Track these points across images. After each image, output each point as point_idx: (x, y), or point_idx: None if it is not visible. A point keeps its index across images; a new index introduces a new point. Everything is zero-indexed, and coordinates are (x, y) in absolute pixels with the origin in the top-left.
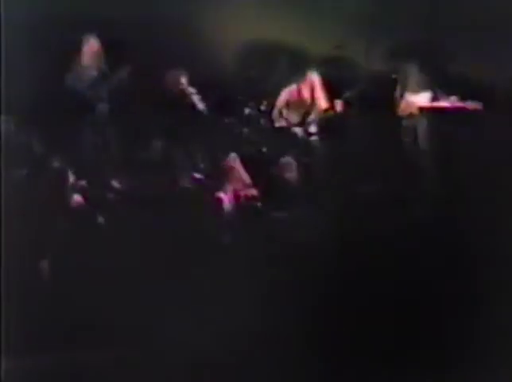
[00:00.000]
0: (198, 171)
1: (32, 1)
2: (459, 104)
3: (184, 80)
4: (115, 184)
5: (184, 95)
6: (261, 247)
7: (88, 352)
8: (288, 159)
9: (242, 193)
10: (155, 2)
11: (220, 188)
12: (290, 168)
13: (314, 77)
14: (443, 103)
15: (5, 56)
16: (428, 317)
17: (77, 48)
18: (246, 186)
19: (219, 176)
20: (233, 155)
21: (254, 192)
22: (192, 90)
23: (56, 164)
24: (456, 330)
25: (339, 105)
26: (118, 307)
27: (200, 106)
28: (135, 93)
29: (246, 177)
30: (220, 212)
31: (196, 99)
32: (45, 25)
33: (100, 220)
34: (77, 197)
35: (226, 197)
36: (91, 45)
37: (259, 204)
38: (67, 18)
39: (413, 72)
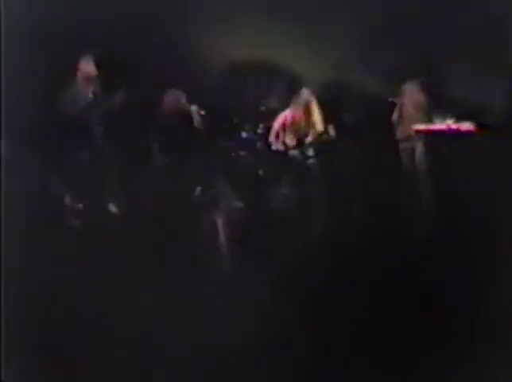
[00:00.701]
0: (192, 194)
1: (30, 25)
2: (454, 126)
3: (184, 99)
4: (113, 208)
5: (183, 115)
6: (255, 270)
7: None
8: (284, 183)
9: (236, 217)
10: (151, 24)
11: (215, 211)
12: (286, 191)
13: (311, 100)
14: (438, 126)
15: (4, 78)
16: (421, 337)
17: (73, 71)
18: (238, 209)
19: (214, 199)
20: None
21: (246, 214)
22: (193, 108)
23: (53, 187)
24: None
25: (332, 131)
26: (116, 334)
27: (199, 124)
28: (131, 116)
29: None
30: (215, 235)
31: (197, 117)
32: (42, 47)
33: (97, 243)
34: (74, 220)
35: (220, 221)
36: (87, 67)
37: (252, 226)
38: (62, 40)
39: (411, 94)
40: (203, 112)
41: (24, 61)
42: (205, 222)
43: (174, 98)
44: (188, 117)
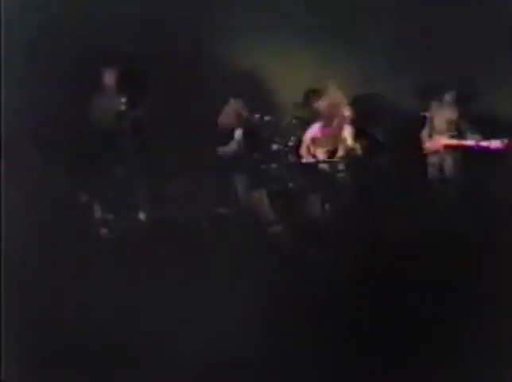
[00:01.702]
0: (224, 207)
1: (55, 34)
2: (484, 144)
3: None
4: (142, 217)
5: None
6: (284, 284)
7: None
8: (314, 196)
9: (266, 230)
10: (177, 33)
11: (245, 224)
12: (316, 204)
13: (342, 114)
14: (468, 142)
15: (21, 87)
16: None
17: (99, 81)
18: (271, 222)
19: (245, 212)
20: (260, 191)
21: (278, 228)
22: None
23: (83, 198)
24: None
25: (358, 148)
26: (139, 340)
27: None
28: (159, 126)
29: (271, 213)
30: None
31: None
32: (68, 58)
33: (127, 252)
34: (104, 231)
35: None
36: (111, 77)
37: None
38: (88, 50)
39: (442, 109)
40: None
41: (52, 70)
42: (236, 234)
43: (235, 108)
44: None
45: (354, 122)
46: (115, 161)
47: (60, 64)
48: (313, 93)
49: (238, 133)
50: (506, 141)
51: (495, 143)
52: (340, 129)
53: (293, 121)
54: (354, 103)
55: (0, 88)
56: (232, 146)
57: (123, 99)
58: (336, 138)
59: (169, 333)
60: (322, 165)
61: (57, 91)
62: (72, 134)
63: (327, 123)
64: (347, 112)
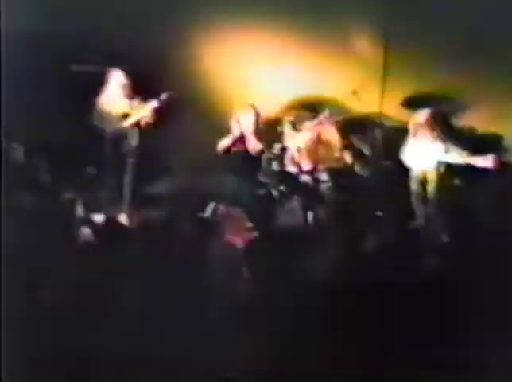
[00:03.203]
0: (207, 212)
1: (58, 33)
2: (469, 160)
3: None
4: (123, 219)
5: None
6: (267, 291)
7: None
8: (294, 205)
9: (248, 237)
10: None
11: (227, 229)
12: (296, 214)
13: (329, 124)
14: (454, 159)
15: (16, 84)
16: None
17: (100, 81)
18: (247, 230)
19: (227, 217)
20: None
21: (254, 235)
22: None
23: (66, 195)
24: None
25: (348, 157)
26: (122, 341)
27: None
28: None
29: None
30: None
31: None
32: (71, 58)
33: (108, 253)
34: (85, 230)
35: (234, 240)
36: (118, 79)
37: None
38: (91, 50)
39: (424, 124)
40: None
41: (50, 69)
42: (217, 238)
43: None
44: None
45: (341, 134)
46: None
47: (60, 64)
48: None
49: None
50: (491, 158)
51: (480, 161)
52: (327, 138)
53: (279, 128)
54: (341, 112)
55: (0, 88)
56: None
57: (127, 101)
58: (323, 147)
59: (153, 333)
60: (305, 176)
61: (52, 91)
62: (63, 131)
63: (315, 132)
64: (332, 125)
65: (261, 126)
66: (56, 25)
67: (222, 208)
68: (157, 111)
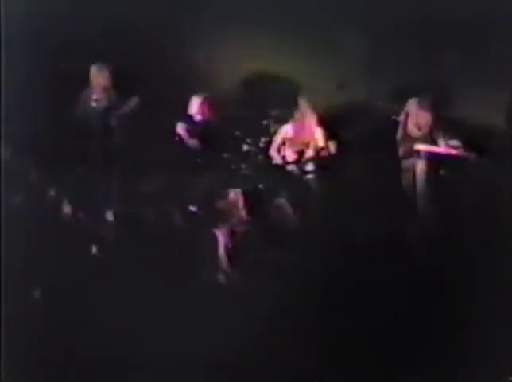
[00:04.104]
0: (194, 206)
1: (40, 29)
2: (453, 151)
3: None
4: (109, 216)
5: None
6: (254, 284)
7: None
8: (281, 198)
9: (237, 230)
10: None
11: (216, 223)
12: (284, 207)
13: (313, 115)
14: (437, 149)
15: (7, 82)
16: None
17: (85, 78)
18: (243, 223)
19: (216, 211)
20: (237, 190)
21: (250, 228)
22: None
23: (52, 193)
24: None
25: (332, 147)
26: (111, 339)
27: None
28: (140, 125)
29: (244, 213)
30: (215, 248)
31: None
32: (54, 52)
33: (94, 250)
34: (71, 227)
35: (221, 233)
36: (100, 74)
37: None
38: (75, 47)
39: (414, 113)
40: None
41: (33, 66)
42: (205, 234)
43: None
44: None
45: (327, 124)
46: (88, 157)
47: (44, 61)
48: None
49: None
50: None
51: (464, 153)
52: (312, 129)
53: (264, 122)
54: (327, 104)
55: (0, 89)
56: None
57: (110, 97)
58: (308, 138)
59: (145, 330)
60: (291, 167)
61: (38, 85)
62: (49, 128)
63: (300, 124)
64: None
65: None
66: (54, 25)
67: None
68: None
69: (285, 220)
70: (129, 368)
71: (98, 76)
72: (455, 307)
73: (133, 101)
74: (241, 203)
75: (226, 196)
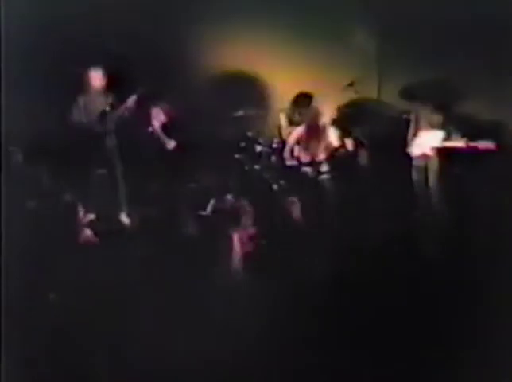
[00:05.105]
0: (207, 208)
1: (39, 34)
2: (472, 144)
3: None
4: (124, 218)
5: None
6: (268, 285)
7: None
8: (294, 198)
9: (251, 232)
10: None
11: (228, 225)
12: (296, 207)
13: (326, 115)
14: (456, 144)
15: (12, 88)
16: (438, 360)
17: (83, 82)
18: (256, 225)
19: (228, 213)
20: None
21: (263, 230)
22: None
23: (66, 198)
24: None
25: (349, 144)
26: (125, 342)
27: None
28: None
29: (256, 216)
30: (229, 250)
31: None
32: (51, 58)
33: (109, 253)
34: (87, 231)
35: (236, 236)
36: (97, 78)
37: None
38: (72, 51)
39: (426, 112)
40: None
41: (35, 72)
42: (218, 235)
43: None
44: None
45: (339, 124)
46: (98, 161)
47: (44, 65)
48: (303, 97)
49: None
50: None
51: (483, 144)
52: (325, 130)
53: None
54: (340, 105)
55: (0, 89)
56: None
57: (109, 100)
58: (321, 139)
59: (154, 331)
60: (305, 168)
61: (42, 92)
62: (55, 133)
63: (313, 124)
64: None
65: None
66: (55, 27)
67: (230, 198)
68: None
69: (294, 219)
70: (133, 367)
71: (96, 79)
72: (469, 307)
73: (131, 100)
74: (253, 206)
75: (238, 198)
